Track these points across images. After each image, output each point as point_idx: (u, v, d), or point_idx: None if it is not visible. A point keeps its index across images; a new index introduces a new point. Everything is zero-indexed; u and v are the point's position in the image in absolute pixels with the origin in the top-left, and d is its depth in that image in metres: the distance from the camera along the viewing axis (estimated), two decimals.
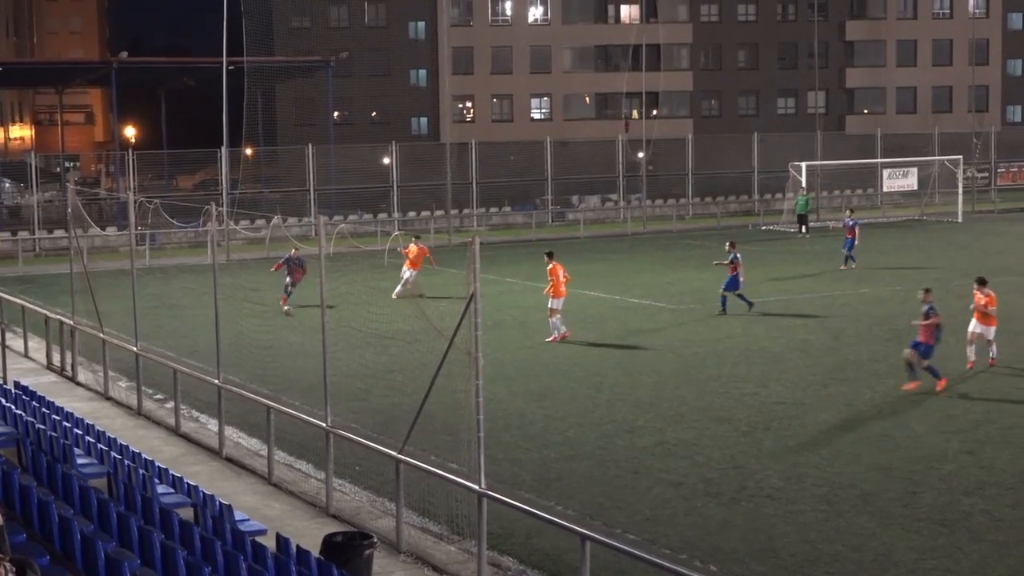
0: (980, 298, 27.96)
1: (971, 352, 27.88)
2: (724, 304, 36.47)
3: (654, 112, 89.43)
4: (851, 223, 47.73)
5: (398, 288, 38.86)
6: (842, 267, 46.97)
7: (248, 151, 72.31)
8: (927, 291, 26.96)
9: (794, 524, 17.79)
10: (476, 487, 15.85)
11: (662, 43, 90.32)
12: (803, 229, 63.00)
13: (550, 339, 32.26)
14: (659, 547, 16.59)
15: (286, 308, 37.60)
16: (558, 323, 32.55)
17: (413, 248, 40.85)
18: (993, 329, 27.94)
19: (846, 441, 22.18)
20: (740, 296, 36.65)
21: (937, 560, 16.25)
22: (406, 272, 40.30)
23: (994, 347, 27.97)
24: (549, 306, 32.69)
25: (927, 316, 26.13)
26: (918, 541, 16.98)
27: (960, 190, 69.26)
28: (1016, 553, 16.40)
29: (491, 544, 16.34)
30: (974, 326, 28.03)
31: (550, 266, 33.08)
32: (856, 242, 47.24)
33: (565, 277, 33.05)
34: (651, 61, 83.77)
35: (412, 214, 69.21)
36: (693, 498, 19.12)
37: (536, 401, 25.23)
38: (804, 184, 65.73)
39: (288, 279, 38.28)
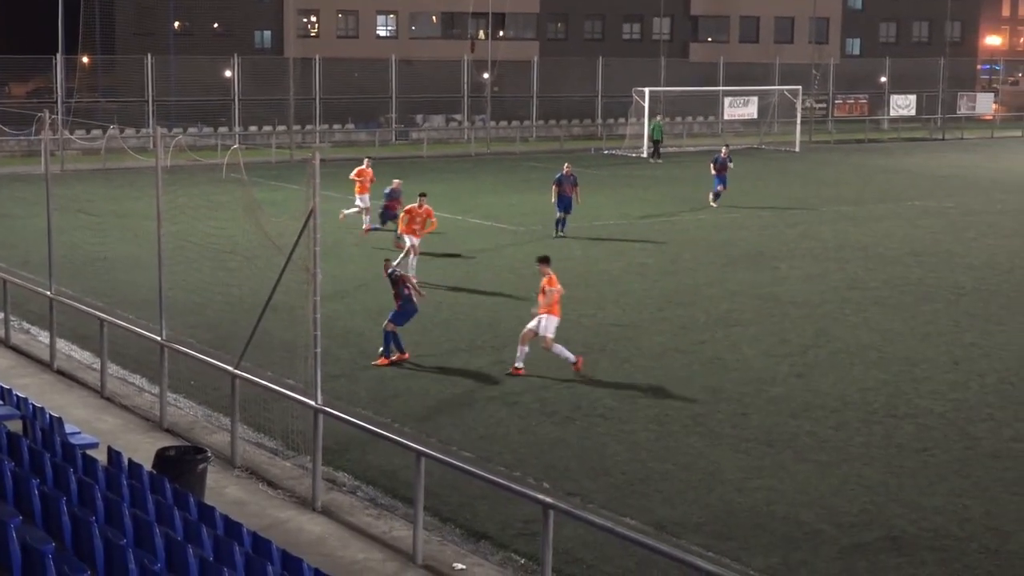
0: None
1: None
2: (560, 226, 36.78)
3: (500, 33, 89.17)
4: (728, 160, 44.78)
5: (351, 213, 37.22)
6: (713, 204, 43.79)
7: (85, 59, 70.37)
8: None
9: (626, 443, 18.13)
10: (312, 403, 15.84)
11: None
12: (656, 154, 63.15)
13: (514, 370, 21.98)
14: (493, 464, 16.80)
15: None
16: (563, 349, 22.10)
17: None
18: None
19: (679, 363, 22.62)
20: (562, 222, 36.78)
21: (763, 479, 16.72)
22: (358, 201, 37.59)
23: None
24: (542, 332, 21.98)
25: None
26: (745, 461, 17.45)
27: (799, 120, 70.53)
28: (838, 473, 16.95)
29: (327, 460, 16.38)
30: None
31: (546, 277, 22.39)
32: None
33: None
34: None
35: (253, 128, 68.23)
36: (527, 417, 19.36)
37: (374, 319, 25.19)
38: (660, 111, 66.36)
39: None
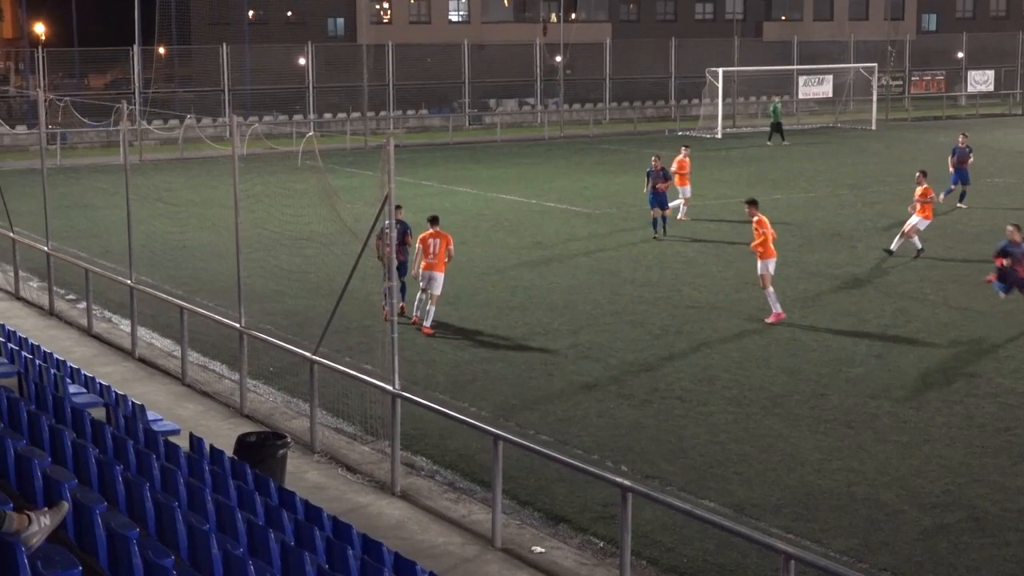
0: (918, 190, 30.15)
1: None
2: (655, 225, 33.67)
3: (572, 16, 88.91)
4: (967, 149, 39.57)
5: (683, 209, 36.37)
6: (960, 204, 38.52)
7: (161, 50, 71.03)
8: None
9: (704, 425, 18.05)
10: (390, 388, 15.91)
11: None
12: (781, 137, 60.18)
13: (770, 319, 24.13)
14: (571, 447, 16.78)
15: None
16: (773, 296, 24.42)
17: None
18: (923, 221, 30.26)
19: (757, 344, 22.48)
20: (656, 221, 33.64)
21: (842, 460, 16.58)
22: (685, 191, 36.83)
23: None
24: (760, 271, 24.69)
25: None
26: (825, 442, 17.30)
27: (874, 98, 69.77)
28: (919, 453, 16.77)
29: (404, 445, 16.45)
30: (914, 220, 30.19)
31: (756, 219, 24.86)
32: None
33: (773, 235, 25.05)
34: None
35: (328, 116, 68.59)
36: (605, 400, 19.32)
37: (451, 303, 25.26)
38: (735, 91, 65.93)
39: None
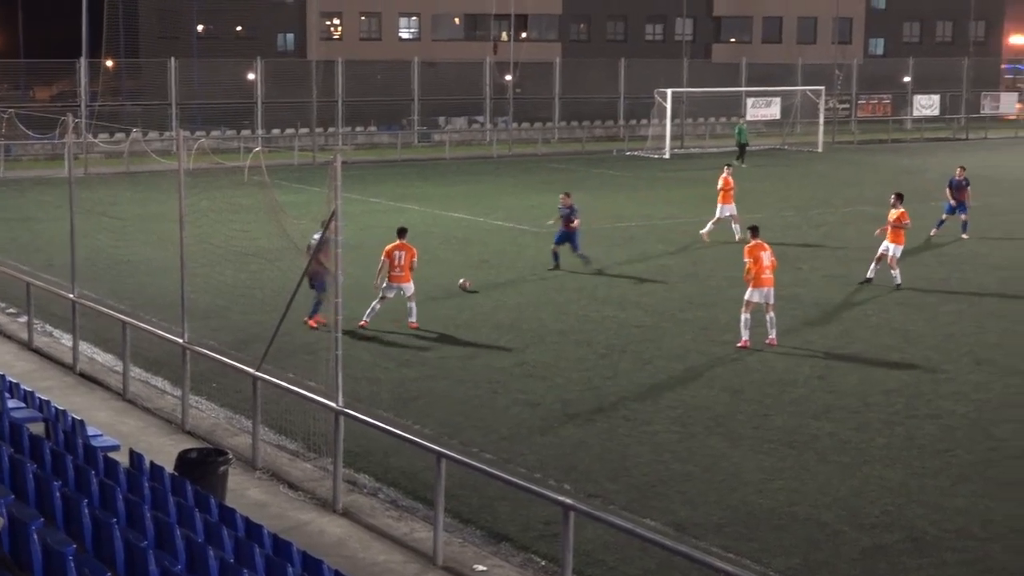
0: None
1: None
2: (556, 259, 31.60)
3: (523, 35, 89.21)
4: (964, 181, 37.61)
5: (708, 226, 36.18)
6: (963, 236, 36.85)
7: (109, 63, 70.62)
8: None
9: (648, 444, 18.12)
10: (333, 405, 15.88)
11: None
12: (741, 157, 60.24)
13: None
14: (514, 466, 16.81)
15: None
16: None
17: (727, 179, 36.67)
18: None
19: (701, 364, 22.60)
20: (578, 255, 31.49)
21: (784, 480, 16.69)
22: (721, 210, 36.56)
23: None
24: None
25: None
26: (767, 462, 17.42)
27: (821, 121, 70.34)
28: (859, 474, 16.91)
29: (347, 462, 16.41)
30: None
31: (752, 243, 24.35)
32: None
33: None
34: None
35: (276, 131, 68.40)
36: (549, 418, 19.37)
37: (396, 320, 25.23)
38: (683, 112, 66.20)
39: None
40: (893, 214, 29.82)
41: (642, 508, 15.59)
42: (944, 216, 37.18)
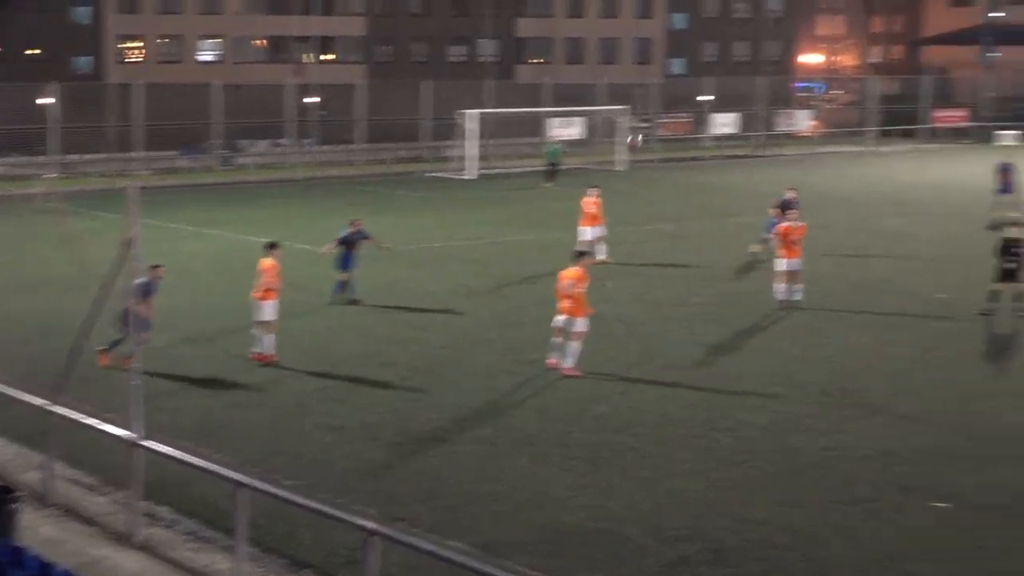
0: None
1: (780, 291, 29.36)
2: (341, 288, 30.24)
3: (327, 57, 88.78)
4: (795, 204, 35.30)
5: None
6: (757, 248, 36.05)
7: None
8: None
9: (455, 465, 18.14)
10: (131, 436, 15.52)
11: None
12: (546, 178, 60.17)
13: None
14: (319, 491, 16.62)
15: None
16: None
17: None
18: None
19: (507, 384, 22.69)
20: (342, 287, 30.08)
21: (588, 497, 16.86)
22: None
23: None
24: None
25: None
26: (572, 479, 17.58)
27: (622, 139, 71.37)
28: (661, 488, 17.18)
29: (147, 494, 16.05)
30: None
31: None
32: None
33: None
34: (325, 5, 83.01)
35: (74, 156, 66.72)
36: (354, 442, 19.25)
37: (198, 347, 24.82)
38: (488, 132, 66.41)
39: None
40: (782, 227, 29.98)
41: (451, 529, 15.57)
42: (765, 234, 35.91)
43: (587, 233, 35.84)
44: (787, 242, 29.59)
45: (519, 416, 20.63)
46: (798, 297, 29.33)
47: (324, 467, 18.07)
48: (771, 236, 33.47)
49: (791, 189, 37.86)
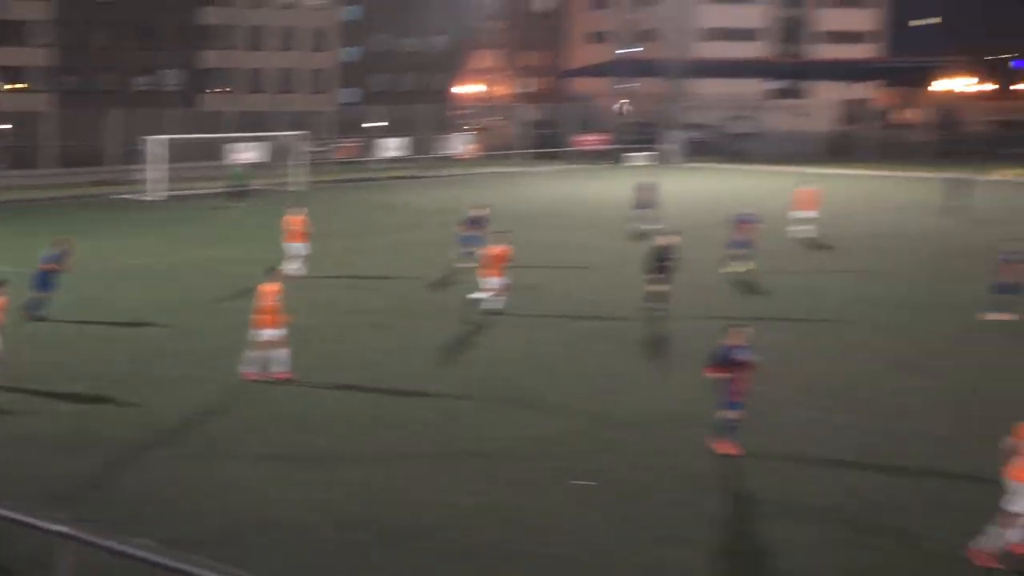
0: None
1: None
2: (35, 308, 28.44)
3: (15, 86, 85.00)
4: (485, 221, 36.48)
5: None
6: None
7: None
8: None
9: (141, 468, 17.80)
10: None
11: (24, 19, 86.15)
12: (231, 198, 58.31)
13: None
14: (5, 500, 15.99)
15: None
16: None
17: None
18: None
19: (194, 393, 22.31)
20: (37, 305, 28.44)
21: (275, 491, 16.82)
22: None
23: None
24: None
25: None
26: (256, 476, 17.52)
27: (301, 162, 71.08)
28: (337, 479, 17.28)
29: None
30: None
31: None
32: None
33: None
34: (11, 36, 79.44)
35: None
36: (45, 452, 18.61)
37: None
38: (169, 157, 64.97)
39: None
40: (496, 250, 29.53)
41: (135, 529, 15.18)
42: (464, 249, 36.07)
43: (292, 249, 35.39)
44: (495, 263, 29.28)
45: (207, 421, 20.38)
46: (499, 306, 29.33)
47: (13, 480, 17.39)
48: (475, 252, 33.39)
49: (478, 207, 38.07)
